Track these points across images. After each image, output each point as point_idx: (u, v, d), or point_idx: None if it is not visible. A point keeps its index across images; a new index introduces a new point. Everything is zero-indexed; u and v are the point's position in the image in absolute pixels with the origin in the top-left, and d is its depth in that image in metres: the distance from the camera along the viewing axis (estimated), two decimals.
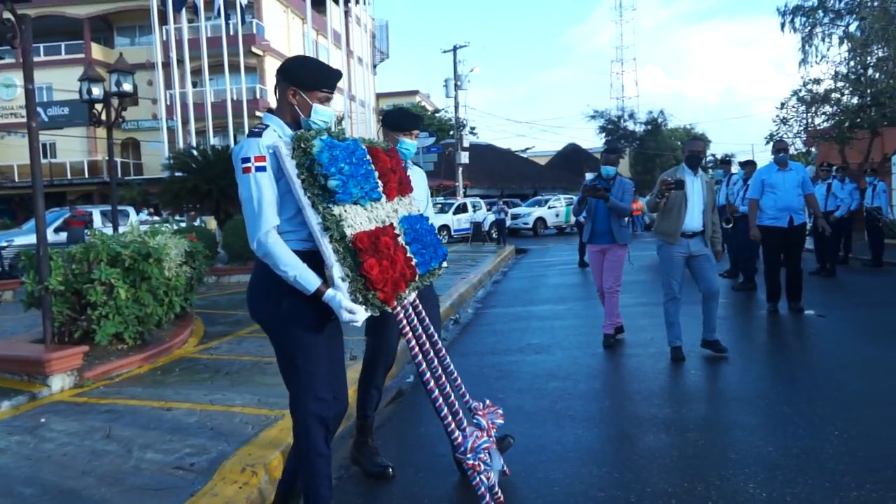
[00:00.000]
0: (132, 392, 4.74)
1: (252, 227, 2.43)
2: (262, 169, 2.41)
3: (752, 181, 7.69)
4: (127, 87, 8.22)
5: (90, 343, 5.21)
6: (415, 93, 56.56)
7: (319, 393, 2.60)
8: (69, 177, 31.90)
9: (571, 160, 50.96)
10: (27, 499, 3.10)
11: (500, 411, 3.25)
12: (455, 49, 34.10)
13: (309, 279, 2.44)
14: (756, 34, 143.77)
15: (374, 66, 51.01)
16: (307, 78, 2.58)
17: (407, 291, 2.69)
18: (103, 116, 8.67)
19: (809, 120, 22.01)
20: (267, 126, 2.53)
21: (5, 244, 14.30)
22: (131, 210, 17.33)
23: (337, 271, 2.43)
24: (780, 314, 7.26)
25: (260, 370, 5.35)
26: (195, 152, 13.63)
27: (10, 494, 3.16)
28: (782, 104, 23.01)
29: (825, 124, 21.53)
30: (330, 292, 2.43)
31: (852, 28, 23.52)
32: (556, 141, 63.39)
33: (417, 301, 3.00)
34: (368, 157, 2.71)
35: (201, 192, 12.76)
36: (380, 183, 2.75)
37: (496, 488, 2.86)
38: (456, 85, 34.20)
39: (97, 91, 8.51)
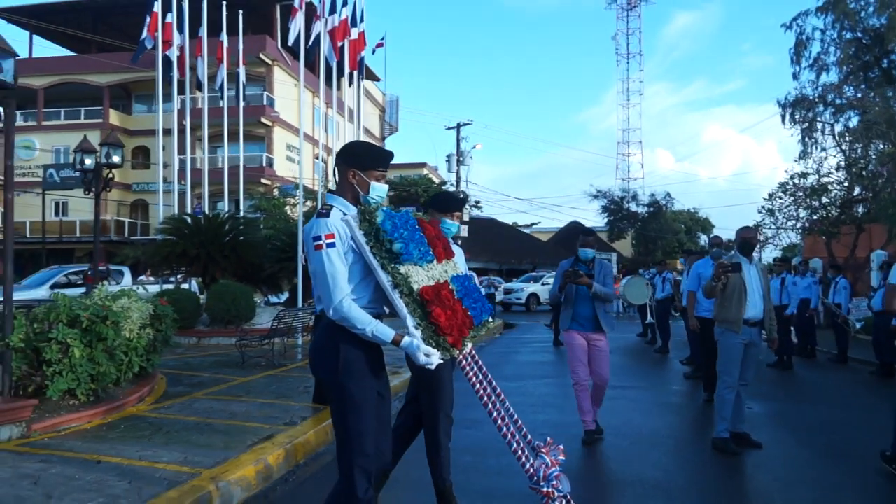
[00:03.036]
0: (72, 445, 5.11)
1: (328, 297, 2.78)
2: (332, 245, 2.77)
3: (690, 274, 8.09)
4: (116, 158, 8.91)
5: (41, 398, 5.61)
6: (423, 165, 58.01)
7: (365, 448, 2.88)
8: (78, 234, 32.76)
9: (572, 238, 51.68)
10: None
11: (562, 447, 3.36)
12: (458, 126, 35.30)
13: (385, 331, 2.77)
14: (764, 123, 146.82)
15: (384, 139, 52.68)
16: (366, 160, 2.99)
17: (465, 340, 3.00)
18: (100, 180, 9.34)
19: (796, 213, 22.47)
20: (332, 206, 2.90)
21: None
22: (126, 270, 17.92)
23: (410, 321, 2.78)
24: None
25: (199, 430, 5.70)
26: (188, 218, 14.24)
27: None
28: (770, 195, 23.58)
29: (812, 217, 21.99)
30: (406, 339, 2.75)
31: (853, 123, 23.97)
32: (563, 218, 63.85)
33: (475, 352, 3.30)
34: (419, 225, 3.14)
35: (190, 256, 13.30)
36: (430, 247, 3.13)
37: None
38: (458, 161, 35.26)
39: (89, 161, 9.17)
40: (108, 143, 8.84)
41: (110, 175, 8.99)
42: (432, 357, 2.74)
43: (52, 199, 31.33)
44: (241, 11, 17.73)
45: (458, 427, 4.23)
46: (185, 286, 14.84)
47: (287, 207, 28.16)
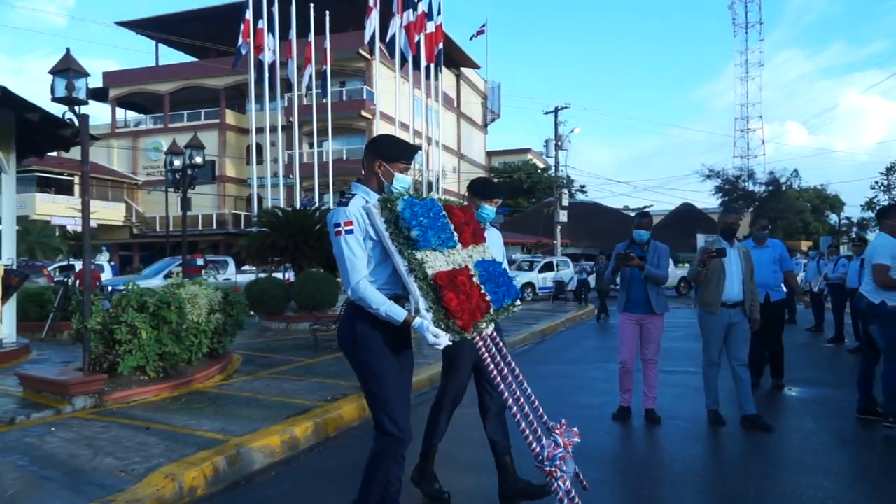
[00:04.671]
0: (133, 414, 5.89)
1: (346, 278, 3.08)
2: (351, 231, 3.04)
3: None
4: (198, 159, 9.81)
5: (115, 374, 6.46)
6: (527, 150, 57.88)
7: (393, 416, 3.15)
8: (200, 227, 35.44)
9: (684, 220, 49.84)
10: (9, 482, 4.22)
11: (576, 429, 3.42)
12: (556, 110, 35.03)
13: (397, 311, 3.02)
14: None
15: (486, 126, 52.97)
16: (391, 153, 3.24)
17: (484, 323, 3.22)
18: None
19: None
20: (354, 195, 3.17)
21: (122, 288, 16.50)
22: (230, 260, 19.38)
23: (422, 304, 2.96)
24: (758, 388, 7.41)
25: (246, 404, 6.35)
26: (279, 211, 15.25)
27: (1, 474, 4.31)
28: (889, 169, 22.00)
29: None
30: (417, 320, 2.97)
31: None
32: (676, 201, 61.33)
33: (496, 334, 3.51)
34: (444, 212, 3.33)
35: (279, 247, 14.28)
36: (455, 233, 3.34)
37: (573, 492, 3.18)
38: (556, 145, 35.03)
39: (178, 163, 10.16)
40: (191, 145, 9.80)
41: (194, 176, 9.97)
42: (441, 338, 2.93)
43: (177, 195, 34.00)
44: (327, 12, 18.63)
45: (472, 405, 4.48)
46: (279, 275, 15.93)
47: None
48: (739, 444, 5.35)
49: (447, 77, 44.06)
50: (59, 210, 32.18)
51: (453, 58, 42.86)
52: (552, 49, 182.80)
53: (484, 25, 44.21)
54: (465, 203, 3.77)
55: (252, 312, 14.76)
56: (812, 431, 5.67)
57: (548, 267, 25.57)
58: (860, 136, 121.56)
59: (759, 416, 5.66)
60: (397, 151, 3.25)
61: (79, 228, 27.73)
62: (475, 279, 3.27)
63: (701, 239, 32.30)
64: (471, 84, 49.05)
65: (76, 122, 6.31)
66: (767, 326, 7.36)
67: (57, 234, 31.57)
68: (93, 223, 30.45)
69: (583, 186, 54.46)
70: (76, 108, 6.33)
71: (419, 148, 3.94)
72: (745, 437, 5.49)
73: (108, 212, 36.07)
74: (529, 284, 24.19)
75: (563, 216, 33.92)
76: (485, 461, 4.91)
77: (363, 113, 33.40)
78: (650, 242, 6.01)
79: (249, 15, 15.55)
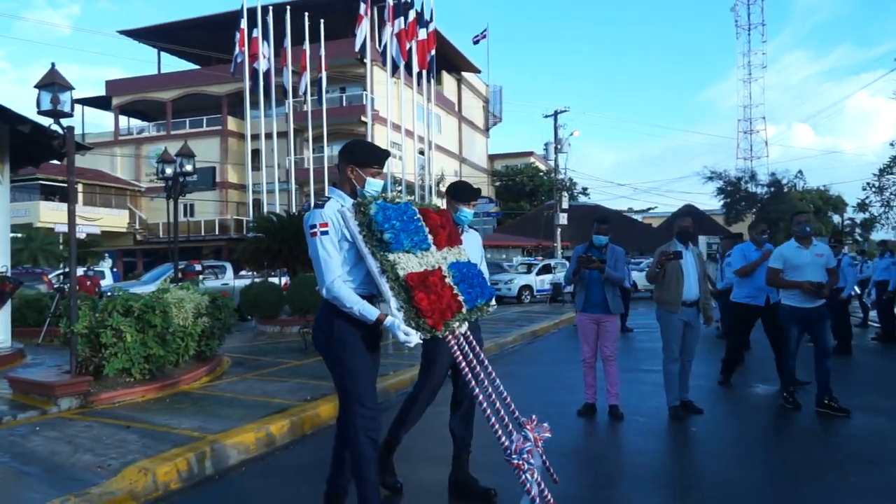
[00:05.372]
0: (117, 414, 6.11)
1: (321, 278, 3.21)
2: (326, 233, 3.19)
3: (733, 258, 8.01)
4: (188, 167, 10.05)
5: (101, 376, 6.68)
6: (530, 154, 58.07)
7: (365, 411, 3.31)
8: (203, 234, 35.78)
9: None
10: None
11: (546, 425, 3.53)
12: (556, 114, 35.22)
13: (370, 310, 3.17)
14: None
15: (488, 130, 53.20)
16: (363, 158, 3.38)
17: (457, 323, 3.33)
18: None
19: None
20: (329, 198, 3.33)
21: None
22: (228, 265, 19.65)
23: (393, 303, 3.11)
24: (730, 385, 7.62)
25: (228, 404, 6.57)
26: (273, 216, 15.48)
27: None
28: (881, 170, 22.05)
29: None
30: (389, 319, 3.12)
31: None
32: (679, 203, 61.13)
33: (469, 333, 3.57)
34: (419, 215, 3.46)
35: (273, 252, 14.50)
36: (430, 236, 3.47)
37: (542, 484, 3.26)
38: (556, 148, 35.23)
39: (169, 171, 10.41)
40: (181, 153, 10.04)
41: (185, 183, 10.22)
42: (411, 336, 3.09)
43: (180, 202, 34.33)
44: (322, 20, 18.90)
45: (443, 403, 4.66)
46: (275, 279, 16.15)
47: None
48: (695, 439, 5.54)
49: (448, 82, 44.41)
50: (63, 218, 32.46)
51: (454, 63, 43.15)
52: (555, 52, 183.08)
53: (485, 30, 44.59)
54: (441, 208, 3.92)
55: (249, 316, 15.05)
56: (770, 426, 5.87)
57: (546, 269, 25.72)
58: (868, 137, 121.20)
59: (692, 401, 6.21)
60: (369, 156, 3.39)
61: (82, 236, 28.09)
62: (448, 280, 3.41)
63: (703, 241, 32.53)
64: (472, 88, 49.33)
65: (62, 133, 6.55)
66: (771, 326, 7.59)
67: (60, 241, 31.90)
68: (97, 230, 30.72)
69: (585, 189, 54.63)
70: (61, 120, 6.56)
71: (390, 153, 4.13)
72: (702, 432, 5.68)
73: (111, 219, 36.48)
74: (527, 287, 24.36)
75: (562, 219, 34.12)
76: (444, 456, 5.12)
77: (362, 118, 33.64)
78: (608, 246, 6.33)
79: (244, 24, 15.82)
